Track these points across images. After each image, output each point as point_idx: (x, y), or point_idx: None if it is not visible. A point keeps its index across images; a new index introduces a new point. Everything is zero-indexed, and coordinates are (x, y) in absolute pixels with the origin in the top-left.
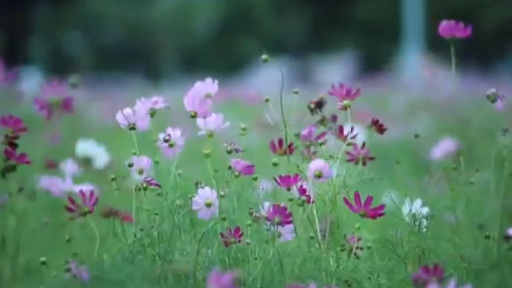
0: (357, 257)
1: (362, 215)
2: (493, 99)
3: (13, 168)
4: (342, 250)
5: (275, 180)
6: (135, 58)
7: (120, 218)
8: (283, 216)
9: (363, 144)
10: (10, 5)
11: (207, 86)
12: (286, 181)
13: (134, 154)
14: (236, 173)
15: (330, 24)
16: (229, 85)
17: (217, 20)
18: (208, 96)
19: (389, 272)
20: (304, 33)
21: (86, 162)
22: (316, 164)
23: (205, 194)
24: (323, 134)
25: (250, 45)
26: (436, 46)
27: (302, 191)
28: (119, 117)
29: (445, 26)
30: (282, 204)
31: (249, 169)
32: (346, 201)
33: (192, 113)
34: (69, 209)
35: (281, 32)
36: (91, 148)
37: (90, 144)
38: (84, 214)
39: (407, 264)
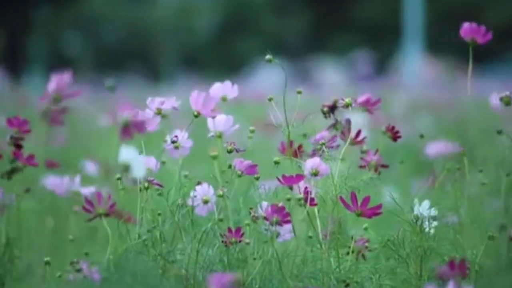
0: (364, 259)
1: (359, 215)
2: (507, 101)
3: (19, 170)
4: (348, 253)
5: (278, 179)
6: (135, 58)
7: (124, 219)
8: (282, 215)
9: (377, 150)
10: (10, 5)
11: (226, 88)
12: (289, 180)
13: (140, 154)
14: (239, 172)
15: (330, 25)
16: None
17: (217, 20)
18: (224, 99)
19: (391, 273)
20: (304, 33)
21: (126, 169)
22: (312, 162)
23: (203, 190)
24: (334, 137)
25: (250, 45)
26: (436, 46)
27: (306, 192)
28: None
29: (467, 28)
30: (280, 204)
31: (252, 169)
32: (342, 201)
33: (195, 113)
34: (86, 210)
35: (281, 32)
36: (133, 156)
37: (132, 151)
38: (100, 215)
39: (409, 264)
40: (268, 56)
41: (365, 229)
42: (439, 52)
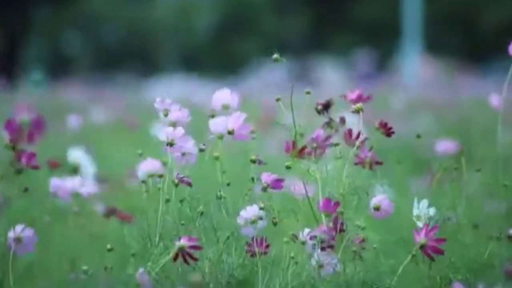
0: (362, 260)
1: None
2: None
3: (19, 172)
4: (354, 252)
5: (318, 204)
6: (135, 58)
7: (121, 219)
8: (277, 184)
9: (371, 147)
10: (10, 5)
11: (225, 96)
12: (327, 206)
13: (141, 154)
14: (265, 185)
15: (330, 24)
16: (229, 85)
17: (217, 20)
18: (226, 107)
19: (402, 272)
20: (304, 33)
21: (75, 169)
22: (377, 198)
23: (253, 211)
24: (330, 137)
25: (250, 45)
26: (435, 46)
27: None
28: (161, 134)
29: None
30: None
31: (278, 183)
32: (416, 232)
33: (230, 129)
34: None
35: (281, 32)
36: (81, 156)
37: (80, 152)
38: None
39: (418, 264)
40: (275, 55)
41: (363, 229)
42: (438, 52)
